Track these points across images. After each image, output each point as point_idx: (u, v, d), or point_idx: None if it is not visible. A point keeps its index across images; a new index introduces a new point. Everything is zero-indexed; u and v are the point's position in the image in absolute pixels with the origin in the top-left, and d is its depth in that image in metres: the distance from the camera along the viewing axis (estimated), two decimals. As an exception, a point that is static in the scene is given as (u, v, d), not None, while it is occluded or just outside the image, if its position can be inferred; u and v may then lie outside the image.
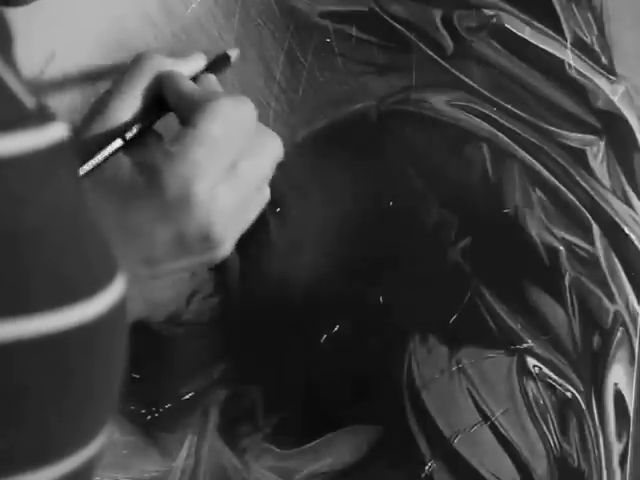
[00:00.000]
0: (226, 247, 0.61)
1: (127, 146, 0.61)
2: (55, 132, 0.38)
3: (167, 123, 0.63)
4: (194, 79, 0.64)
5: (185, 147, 0.59)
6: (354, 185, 0.73)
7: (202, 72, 0.65)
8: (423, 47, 0.74)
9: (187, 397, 0.73)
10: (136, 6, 0.73)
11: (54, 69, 0.72)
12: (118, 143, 0.60)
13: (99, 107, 0.62)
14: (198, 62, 0.65)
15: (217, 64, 0.67)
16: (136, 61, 0.63)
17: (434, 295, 0.73)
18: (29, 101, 0.38)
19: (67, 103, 0.73)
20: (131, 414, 0.73)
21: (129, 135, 0.61)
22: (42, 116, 0.38)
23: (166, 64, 0.63)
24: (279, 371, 0.73)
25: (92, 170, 0.59)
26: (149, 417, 0.73)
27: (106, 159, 0.60)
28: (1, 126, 0.35)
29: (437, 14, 0.74)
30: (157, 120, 0.63)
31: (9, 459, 0.35)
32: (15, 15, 0.48)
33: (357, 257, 0.73)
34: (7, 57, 0.40)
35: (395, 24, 0.74)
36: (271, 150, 0.63)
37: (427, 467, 0.73)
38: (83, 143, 0.60)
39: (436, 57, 0.74)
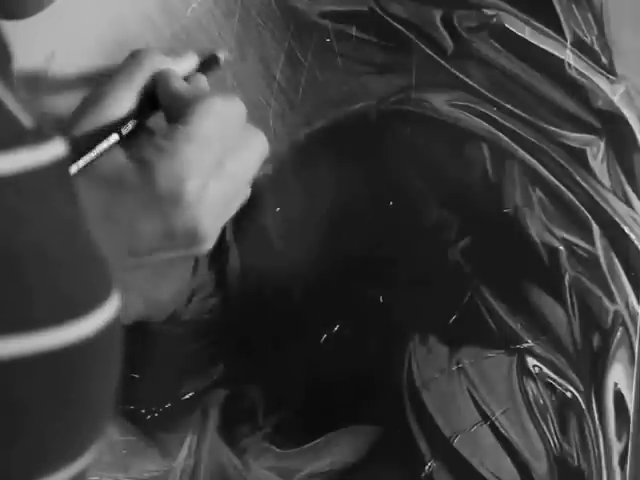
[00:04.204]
0: (210, 241, 0.62)
1: (121, 141, 0.61)
2: (52, 150, 0.38)
3: (157, 121, 0.64)
4: (186, 78, 0.65)
5: (177, 144, 0.59)
6: (354, 185, 0.73)
7: (194, 72, 0.66)
8: (423, 47, 0.74)
9: (187, 397, 0.73)
10: (136, 6, 0.73)
11: (54, 69, 0.72)
12: (114, 138, 0.60)
13: (92, 102, 0.62)
14: (190, 61, 0.66)
15: (207, 64, 0.67)
16: (133, 58, 0.64)
17: (434, 295, 0.73)
18: (27, 120, 0.38)
19: (66, 105, 0.73)
20: (131, 414, 0.73)
21: (125, 130, 0.61)
22: (40, 134, 0.38)
23: (162, 62, 0.64)
24: (279, 371, 0.73)
25: (87, 165, 0.59)
26: (149, 417, 0.73)
27: (101, 154, 0.60)
28: None
29: (437, 14, 0.74)
30: (150, 117, 0.63)
31: (5, 474, 0.35)
32: (15, 15, 0.49)
33: (357, 257, 0.73)
34: (5, 76, 0.40)
35: (395, 24, 0.74)
36: (257, 147, 0.64)
37: (427, 467, 0.73)
38: (77, 138, 0.60)
39: (436, 57, 0.74)
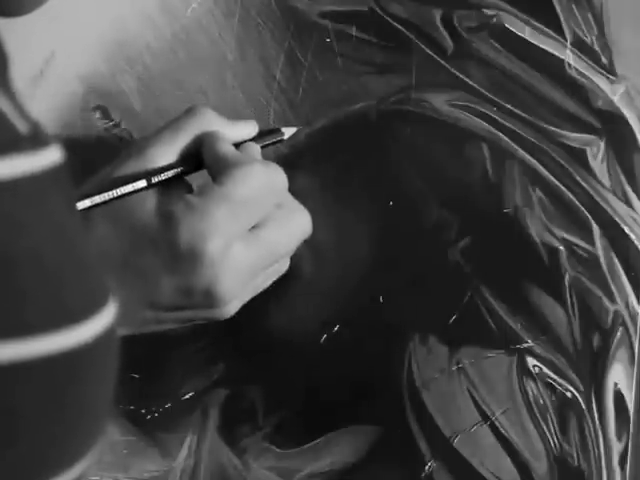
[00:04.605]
0: (231, 307, 0.61)
1: (150, 188, 0.61)
2: (49, 156, 0.38)
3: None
4: (239, 144, 0.65)
5: (207, 203, 0.59)
6: (354, 185, 0.73)
7: (250, 140, 0.66)
8: (423, 47, 0.74)
9: (187, 397, 0.73)
10: (136, 6, 0.73)
11: (54, 69, 0.72)
12: (141, 184, 0.61)
13: (136, 150, 0.63)
14: (249, 129, 0.66)
15: (267, 136, 0.67)
16: (187, 113, 0.64)
17: (434, 295, 0.73)
18: (23, 125, 0.38)
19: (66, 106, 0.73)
20: (131, 414, 0.73)
21: (155, 179, 0.61)
22: (36, 140, 0.38)
23: (215, 123, 0.64)
24: (279, 371, 0.73)
25: (104, 203, 0.60)
26: (149, 417, 0.73)
27: (122, 196, 0.60)
28: None
29: (437, 14, 0.74)
30: (190, 173, 0.64)
31: (2, 479, 0.35)
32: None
33: (357, 257, 0.73)
34: (2, 80, 0.40)
35: (395, 24, 0.74)
36: (299, 225, 0.63)
37: (427, 467, 0.73)
38: (110, 179, 0.61)
39: (436, 57, 0.74)
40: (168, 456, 0.73)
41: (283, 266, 0.66)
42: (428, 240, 0.73)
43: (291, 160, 0.73)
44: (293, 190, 0.66)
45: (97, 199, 0.60)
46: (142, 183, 0.61)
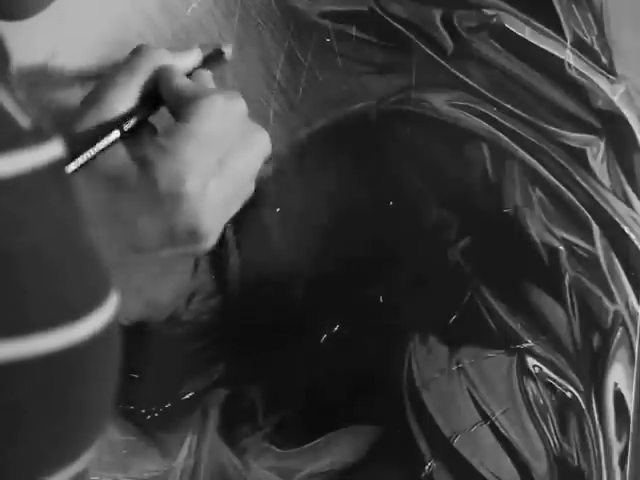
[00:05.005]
0: (211, 239, 0.62)
1: (123, 138, 0.61)
2: (50, 151, 0.38)
3: (162, 116, 0.64)
4: (190, 74, 0.65)
5: (178, 142, 0.59)
6: (354, 185, 0.73)
7: (198, 67, 0.66)
8: (423, 47, 0.74)
9: (187, 397, 0.73)
10: (136, 6, 0.73)
11: (55, 68, 0.72)
12: (115, 135, 0.60)
13: (94, 99, 0.62)
14: (194, 57, 0.66)
15: (212, 59, 0.68)
16: (135, 54, 0.64)
17: (434, 295, 0.73)
18: (24, 121, 0.38)
19: (66, 100, 0.73)
20: (131, 414, 0.73)
21: (127, 127, 0.61)
22: (37, 135, 0.38)
23: (164, 58, 0.64)
24: (279, 371, 0.73)
25: (87, 162, 0.59)
26: (149, 417, 0.73)
27: (102, 151, 0.60)
28: None
29: (437, 14, 0.74)
30: (152, 113, 0.63)
31: (3, 476, 0.35)
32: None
33: (357, 257, 0.73)
34: (3, 76, 0.40)
35: (395, 24, 0.74)
36: (259, 146, 0.64)
37: (427, 467, 0.73)
38: (78, 135, 0.60)
39: (436, 57, 0.74)
40: (168, 456, 0.73)
41: (250, 188, 0.66)
42: (428, 240, 0.73)
43: (291, 160, 0.73)
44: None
45: (73, 166, 0.59)
46: (116, 134, 0.60)
